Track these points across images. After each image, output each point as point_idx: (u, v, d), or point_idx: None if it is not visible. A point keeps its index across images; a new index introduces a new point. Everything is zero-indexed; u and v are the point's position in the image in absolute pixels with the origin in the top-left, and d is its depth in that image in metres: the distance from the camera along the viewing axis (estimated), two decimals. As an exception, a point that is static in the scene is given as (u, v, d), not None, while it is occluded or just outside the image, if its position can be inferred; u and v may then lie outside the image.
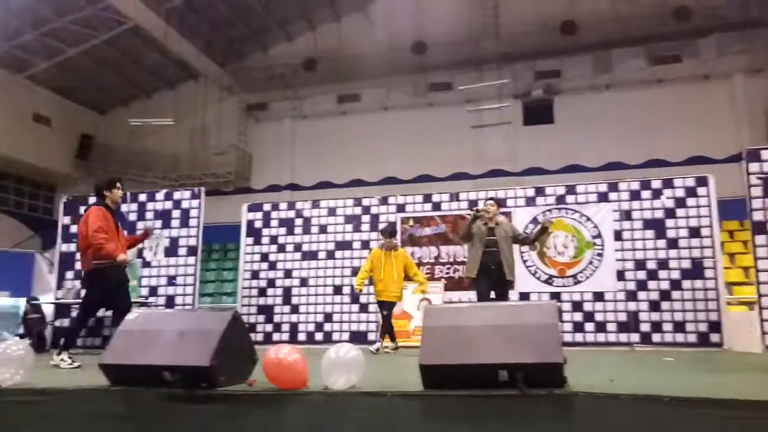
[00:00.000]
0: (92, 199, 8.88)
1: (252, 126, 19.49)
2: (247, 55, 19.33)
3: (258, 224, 9.27)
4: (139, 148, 19.55)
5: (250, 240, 9.23)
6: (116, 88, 19.79)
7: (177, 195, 8.79)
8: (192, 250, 8.48)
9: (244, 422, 3.06)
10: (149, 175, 19.06)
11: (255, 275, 9.06)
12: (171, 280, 8.36)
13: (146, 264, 8.55)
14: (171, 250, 8.53)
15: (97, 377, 3.40)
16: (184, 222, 8.59)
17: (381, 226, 8.92)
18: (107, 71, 18.62)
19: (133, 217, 8.74)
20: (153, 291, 8.46)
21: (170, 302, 8.31)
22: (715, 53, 15.35)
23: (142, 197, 8.86)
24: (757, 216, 6.72)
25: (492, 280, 6.05)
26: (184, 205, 8.65)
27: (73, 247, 8.83)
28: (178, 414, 3.16)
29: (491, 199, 6.58)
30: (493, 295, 6.07)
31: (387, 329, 7.19)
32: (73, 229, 8.88)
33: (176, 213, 8.64)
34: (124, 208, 8.82)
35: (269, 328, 8.84)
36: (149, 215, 8.68)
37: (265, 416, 3.04)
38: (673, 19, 15.61)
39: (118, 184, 5.42)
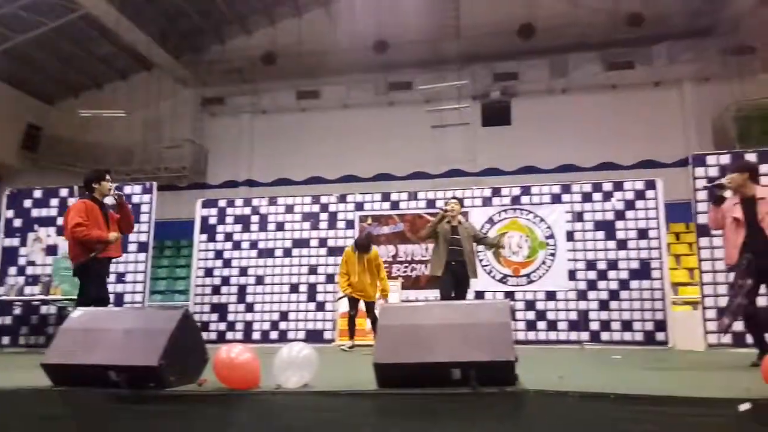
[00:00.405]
0: (37, 193, 8.59)
1: (208, 120, 19.09)
2: (204, 47, 18.91)
3: (212, 221, 9.10)
4: (89, 140, 18.87)
5: (204, 237, 9.05)
6: (66, 77, 19.03)
7: (128, 189, 8.51)
8: (143, 247, 8.25)
9: (193, 423, 2.99)
10: (99, 168, 18.40)
11: (209, 273, 8.89)
12: (120, 277, 8.11)
13: (95, 260, 8.25)
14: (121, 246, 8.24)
15: (39, 377, 3.27)
16: (135, 217, 8.31)
17: (339, 224, 8.91)
18: (56, 60, 17.90)
19: (81, 211, 8.42)
20: (101, 288, 8.17)
21: (119, 300, 8.05)
22: (666, 60, 15.90)
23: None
24: (702, 219, 6.97)
25: (456, 278, 6.15)
26: (135, 200, 8.40)
27: (16, 241, 8.49)
28: (125, 415, 3.07)
29: (455, 198, 6.66)
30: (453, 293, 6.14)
31: (350, 326, 7.22)
32: (17, 223, 8.54)
33: (127, 208, 8.36)
34: (72, 201, 8.52)
35: (223, 326, 8.69)
36: (98, 210, 8.38)
37: (216, 416, 2.98)
38: (627, 26, 16.09)
39: (107, 177, 5.44)
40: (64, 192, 8.64)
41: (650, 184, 8.08)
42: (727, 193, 4.70)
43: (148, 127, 18.73)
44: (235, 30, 18.72)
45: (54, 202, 8.58)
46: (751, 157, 7.08)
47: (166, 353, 3.07)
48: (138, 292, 8.14)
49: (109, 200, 5.55)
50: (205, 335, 8.34)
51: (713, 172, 7.14)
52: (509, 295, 8.12)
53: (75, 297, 7.66)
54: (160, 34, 17.06)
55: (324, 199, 9.07)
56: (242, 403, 2.96)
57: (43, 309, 8.21)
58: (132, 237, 8.28)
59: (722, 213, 4.71)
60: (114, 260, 8.17)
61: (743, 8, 14.88)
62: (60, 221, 8.51)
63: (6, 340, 8.09)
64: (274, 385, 3.03)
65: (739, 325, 6.47)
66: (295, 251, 8.85)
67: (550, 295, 8.05)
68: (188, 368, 3.26)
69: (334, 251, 8.75)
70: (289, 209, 9.05)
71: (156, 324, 3.25)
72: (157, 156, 18.55)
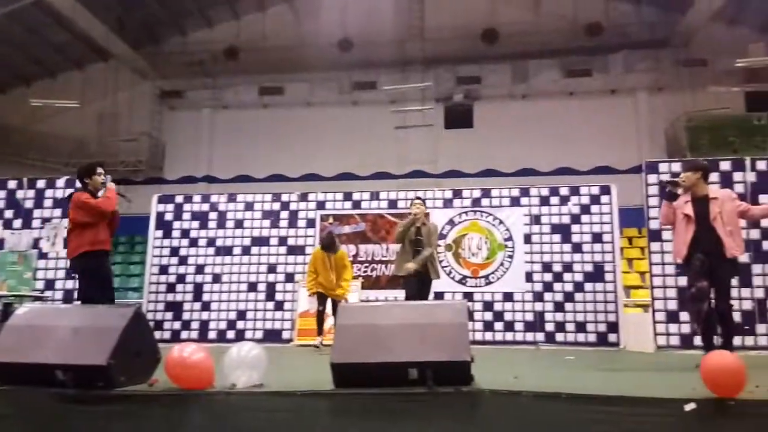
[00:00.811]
0: (-16, 183, 8.23)
1: (166, 113, 18.66)
2: (164, 38, 18.50)
3: (169, 217, 8.89)
4: (41, 130, 18.19)
5: (160, 233, 8.83)
6: (18, 65, 18.29)
7: (79, 183, 8.23)
8: (95, 242, 7.98)
9: (144, 424, 2.91)
10: (51, 160, 17.76)
11: (164, 270, 8.68)
12: (70, 273, 7.84)
13: (43, 255, 7.97)
14: (71, 241, 7.98)
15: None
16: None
17: (300, 222, 8.83)
18: (8, 47, 17.14)
19: (29, 204, 8.13)
20: (50, 284, 7.89)
21: (68, 296, 7.78)
22: (622, 70, 16.36)
23: (41, 183, 8.25)
24: (654, 224, 7.20)
25: (420, 279, 6.17)
26: (88, 193, 8.12)
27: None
28: (72, 416, 2.97)
29: (418, 198, 6.57)
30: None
31: (319, 322, 7.17)
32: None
33: (79, 202, 8.10)
34: (20, 194, 8.20)
35: (177, 325, 8.49)
36: (48, 203, 8.10)
37: (167, 417, 2.91)
38: (586, 35, 16.52)
39: (99, 170, 5.31)
40: (12, 184, 8.29)
41: (605, 190, 8.29)
42: (680, 191, 4.81)
43: (103, 119, 18.19)
44: (197, 22, 18.37)
45: (1, 194, 8.23)
46: (700, 165, 7.37)
47: (115, 352, 2.98)
48: (89, 289, 7.87)
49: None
50: (158, 334, 8.22)
51: (660, 179, 7.36)
52: (468, 296, 8.20)
53: (22, 293, 7.42)
54: (118, 24, 16.59)
55: (285, 197, 8.97)
56: (194, 404, 2.90)
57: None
58: (84, 232, 8.01)
59: (674, 209, 4.83)
60: (66, 257, 7.96)
61: (697, 22, 15.47)
62: (8, 214, 8.19)
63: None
64: (228, 384, 2.98)
65: (686, 327, 6.76)
66: (254, 249, 8.72)
67: (508, 297, 8.17)
68: (139, 368, 3.17)
69: (294, 250, 8.67)
70: (249, 207, 8.91)
71: (106, 322, 3.16)
72: (113, 149, 18.01)
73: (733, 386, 2.66)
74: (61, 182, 8.26)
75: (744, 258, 6.89)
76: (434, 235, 6.46)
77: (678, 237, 4.78)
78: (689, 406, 2.60)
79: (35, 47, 17.63)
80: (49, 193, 8.18)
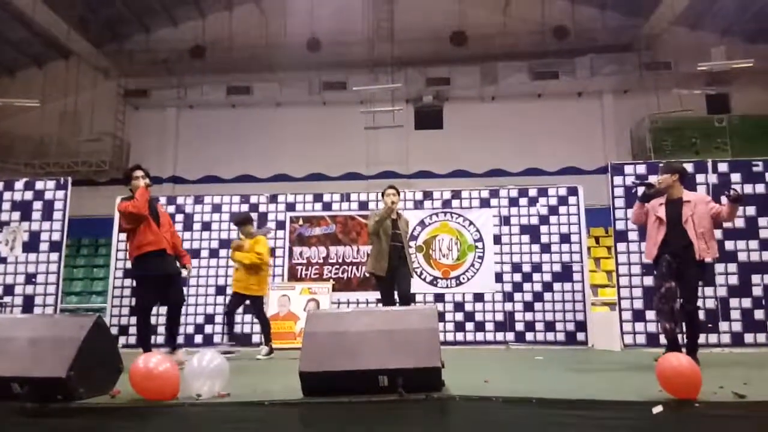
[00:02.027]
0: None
1: (131, 113, 18.22)
2: (127, 36, 18.05)
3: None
4: (0, 130, 17.61)
5: (124, 236, 8.57)
6: (-27, 62, 17.69)
7: (39, 185, 7.98)
8: (55, 246, 7.74)
9: (105, 437, 2.81)
10: (10, 160, 17.16)
11: (128, 274, 8.45)
12: (30, 278, 7.58)
13: (1, 260, 7.70)
14: (31, 245, 7.73)
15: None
16: (47, 215, 7.81)
17: (269, 224, 8.72)
18: (-37, 43, 16.59)
19: (-13, 207, 7.84)
20: (9, 290, 7.63)
21: (29, 302, 7.54)
22: (588, 72, 16.63)
23: (40, 185, 7.96)
24: (620, 225, 7.32)
25: (396, 278, 5.74)
26: (48, 195, 7.87)
27: None
28: (30, 430, 2.85)
29: (391, 187, 5.98)
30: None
31: (263, 330, 6.89)
32: None
33: (38, 204, 7.84)
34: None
35: (143, 330, 8.27)
36: (6, 206, 7.82)
37: (130, 429, 2.81)
38: (553, 38, 16.77)
39: (136, 173, 5.12)
40: (-33, 186, 7.98)
41: (572, 191, 8.41)
42: (653, 191, 4.89)
43: (64, 119, 17.66)
44: (161, 20, 17.99)
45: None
46: (664, 167, 7.53)
47: (75, 364, 2.88)
48: (50, 294, 7.64)
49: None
50: (123, 339, 8.04)
51: (630, 180, 7.50)
52: (439, 297, 8.23)
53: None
54: (79, 21, 16.13)
55: (254, 199, 8.85)
56: (158, 416, 2.82)
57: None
58: (44, 236, 7.78)
59: (646, 210, 4.91)
60: (25, 261, 7.69)
61: (660, 26, 15.83)
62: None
63: None
64: (193, 395, 2.90)
65: (652, 326, 6.89)
66: (222, 252, 8.57)
67: (478, 297, 8.21)
68: (100, 379, 3.07)
69: (262, 252, 8.54)
70: (217, 208, 8.76)
71: (64, 332, 3.04)
72: (75, 149, 17.49)
73: (689, 388, 2.70)
74: (20, 184, 7.99)
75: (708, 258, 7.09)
76: (407, 228, 6.13)
77: (650, 238, 4.87)
78: (657, 409, 2.63)
79: (-7, 44, 17.05)
80: (7, 195, 7.90)
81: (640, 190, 5.07)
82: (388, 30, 16.70)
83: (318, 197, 8.92)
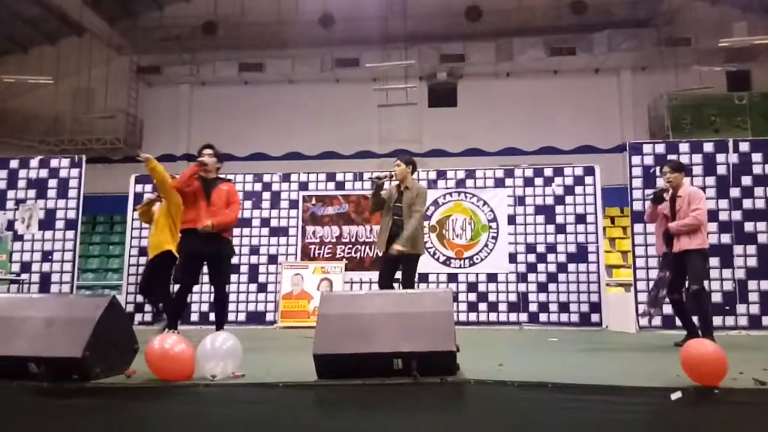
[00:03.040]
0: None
1: (144, 90, 18.20)
2: (140, 12, 17.93)
3: (148, 197, 8.68)
4: (14, 107, 17.67)
5: (138, 214, 8.63)
6: (-13, 39, 17.71)
7: (54, 162, 8.01)
8: (71, 224, 7.80)
9: (120, 416, 2.83)
10: (25, 138, 17.30)
11: (143, 252, 8.49)
12: (46, 256, 7.66)
13: (18, 237, 7.77)
14: (46, 223, 7.79)
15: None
16: (63, 192, 7.86)
17: (282, 203, 8.71)
18: (-24, 20, 16.58)
19: (2, 185, 7.90)
20: (26, 267, 7.72)
21: (45, 280, 7.62)
22: (606, 48, 16.29)
23: (14, 164, 8.00)
24: (637, 206, 7.21)
25: (397, 258, 5.21)
26: (63, 173, 7.91)
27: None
28: (46, 409, 2.88)
29: (398, 158, 5.48)
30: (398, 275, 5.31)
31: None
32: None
33: (53, 182, 7.89)
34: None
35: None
36: (21, 184, 7.87)
37: (145, 410, 2.83)
38: (570, 13, 16.38)
39: (205, 150, 5.10)
40: (-19, 163, 8.03)
41: (589, 170, 8.28)
42: (667, 195, 5.18)
43: (78, 95, 17.68)
44: (174, -5, 17.85)
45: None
46: (683, 147, 7.39)
47: (90, 343, 2.89)
48: (66, 272, 7.72)
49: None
50: (139, 317, 8.12)
51: (649, 160, 7.37)
52: (452, 277, 8.20)
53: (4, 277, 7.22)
54: (92, -3, 16.04)
55: (267, 178, 8.83)
56: (174, 396, 2.83)
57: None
58: (59, 213, 7.84)
59: (658, 210, 5.27)
60: (42, 239, 7.74)
61: (680, 2, 15.42)
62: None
63: None
64: (207, 376, 2.91)
65: (668, 308, 6.83)
66: (236, 231, 8.53)
67: (492, 278, 8.17)
68: (115, 359, 3.08)
69: (276, 231, 8.57)
70: (230, 187, 8.74)
71: (80, 312, 3.05)
72: (88, 127, 17.55)
73: (715, 375, 2.65)
74: (35, 162, 8.03)
75: (726, 239, 7.00)
76: (420, 198, 5.31)
77: (657, 232, 5.36)
78: (675, 395, 2.59)
79: (6, 21, 16.98)
80: (22, 173, 7.96)
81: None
82: (402, 5, 16.43)
83: (331, 176, 8.88)
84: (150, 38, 17.49)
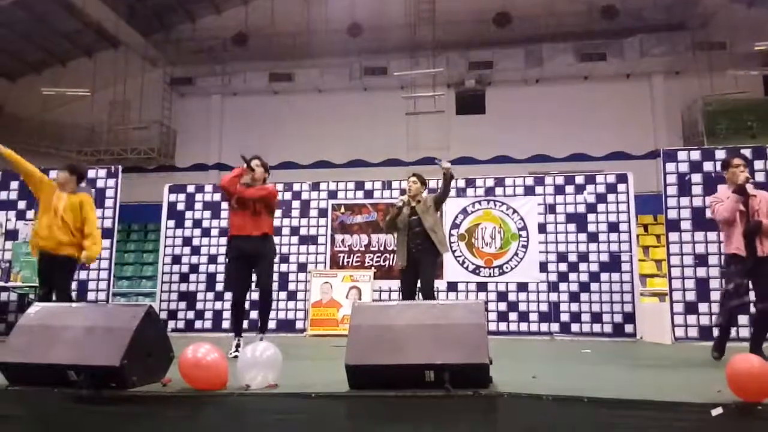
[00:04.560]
0: (-4, 173, 8.28)
1: (177, 101, 18.62)
2: (173, 25, 18.39)
3: (181, 206, 8.84)
4: (52, 119, 18.25)
5: (172, 223, 8.79)
6: (28, 54, 18.29)
7: (92, 173, 8.20)
8: (107, 233, 7.95)
9: (156, 424, 2.89)
10: (63, 148, 17.84)
11: (176, 260, 8.66)
12: (83, 265, 7.84)
13: (56, 246, 7.97)
14: (84, 232, 7.99)
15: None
16: (99, 202, 8.00)
17: (312, 212, 8.77)
18: (18, 36, 17.13)
19: (42, 195, 8.12)
20: (64, 275, 7.91)
21: (83, 287, 7.80)
22: (638, 53, 16.04)
23: (53, 174, 8.20)
24: (672, 214, 7.06)
25: (417, 267, 5.47)
26: (100, 183, 8.10)
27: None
28: (85, 416, 2.96)
29: (414, 175, 5.80)
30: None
31: None
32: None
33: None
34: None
35: (191, 315, 8.48)
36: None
37: (181, 418, 2.88)
38: (601, 18, 16.21)
39: (256, 161, 5.17)
40: (24, 174, 8.28)
41: (621, 178, 8.12)
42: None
43: (114, 107, 18.17)
44: (206, 8, 18.24)
45: (14, 184, 8.21)
46: (720, 153, 7.19)
47: (128, 352, 2.95)
48: (103, 279, 7.90)
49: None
50: (172, 324, 8.25)
51: (683, 167, 7.21)
52: (481, 286, 8.13)
53: (36, 284, 7.41)
54: (127, 11, 16.51)
55: (296, 187, 8.90)
56: (208, 405, 2.87)
57: (3, 296, 7.91)
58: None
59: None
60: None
61: (715, 4, 15.10)
62: (21, 204, 8.19)
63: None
64: (243, 385, 2.94)
65: (705, 319, 6.66)
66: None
67: (522, 287, 8.06)
68: (151, 368, 3.14)
69: (306, 240, 8.62)
70: (260, 196, 8.85)
71: (118, 322, 3.12)
72: (124, 137, 18.03)
73: (761, 391, 2.57)
74: (72, 173, 8.24)
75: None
76: (432, 205, 5.63)
77: (730, 232, 4.57)
78: (716, 411, 2.52)
79: (45, 36, 17.61)
80: (61, 183, 8.15)
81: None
82: (430, 13, 16.47)
83: (359, 185, 8.91)
84: (183, 50, 17.92)
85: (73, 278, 5.61)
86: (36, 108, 18.07)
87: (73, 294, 5.66)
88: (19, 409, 3.02)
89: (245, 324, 5.54)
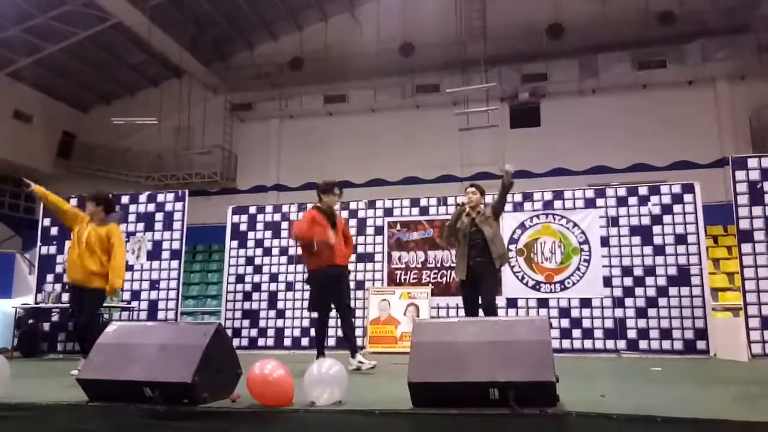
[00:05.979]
0: (72, 200, 8.75)
1: (237, 126, 19.32)
2: (233, 53, 19.17)
3: (243, 227, 9.14)
4: (122, 146, 19.30)
5: (235, 243, 9.09)
6: (99, 85, 19.52)
7: (161, 197, 8.63)
8: (175, 254, 8.33)
9: (227, 440, 2.97)
10: (132, 174, 18.83)
11: (240, 279, 8.93)
12: (154, 285, 8.22)
13: (129, 267, 8.36)
14: (154, 254, 8.38)
15: (74, 391, 3.29)
16: (168, 225, 8.44)
17: (368, 230, 8.86)
18: (90, 68, 18.34)
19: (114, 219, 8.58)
20: (135, 295, 8.31)
21: (153, 307, 8.16)
22: (700, 59, 15.49)
23: (125, 199, 8.68)
24: (744, 224, 6.74)
25: (477, 280, 5.46)
26: (168, 207, 8.50)
27: (53, 249, 8.60)
28: (160, 431, 3.07)
29: (473, 185, 5.81)
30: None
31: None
32: (54, 230, 8.64)
33: (159, 216, 8.49)
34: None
35: (254, 333, 8.71)
36: (132, 218, 8.52)
37: (250, 434, 2.95)
38: (658, 24, 15.75)
39: (336, 190, 5.51)
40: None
41: (688, 188, 7.83)
42: None
43: (179, 133, 19.03)
44: (263, 36, 18.91)
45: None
46: (794, 159, 6.85)
47: (199, 369, 3.06)
48: (171, 299, 8.23)
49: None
50: (236, 342, 8.48)
51: (754, 175, 6.90)
52: (542, 302, 7.97)
53: (110, 304, 7.78)
54: (190, 42, 17.33)
55: (353, 205, 9.04)
56: (276, 421, 2.93)
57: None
58: (165, 244, 8.39)
59: None
60: (149, 269, 8.32)
61: (781, 4, 14.44)
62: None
63: (44, 346, 8.24)
64: (308, 402, 3.00)
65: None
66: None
67: (585, 303, 7.85)
68: (220, 384, 3.24)
69: (363, 257, 8.71)
70: (318, 215, 9.02)
71: (189, 339, 3.25)
72: (188, 162, 18.86)
73: None
74: (143, 197, 8.69)
75: None
76: (489, 212, 5.62)
77: None
78: (802, 433, 2.38)
79: (114, 67, 18.75)
80: (132, 208, 8.60)
81: None
82: (481, 28, 16.48)
83: (415, 202, 8.95)
84: (242, 77, 18.63)
85: (102, 306, 5.77)
86: (106, 137, 19.14)
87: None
88: (98, 424, 3.17)
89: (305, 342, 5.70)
